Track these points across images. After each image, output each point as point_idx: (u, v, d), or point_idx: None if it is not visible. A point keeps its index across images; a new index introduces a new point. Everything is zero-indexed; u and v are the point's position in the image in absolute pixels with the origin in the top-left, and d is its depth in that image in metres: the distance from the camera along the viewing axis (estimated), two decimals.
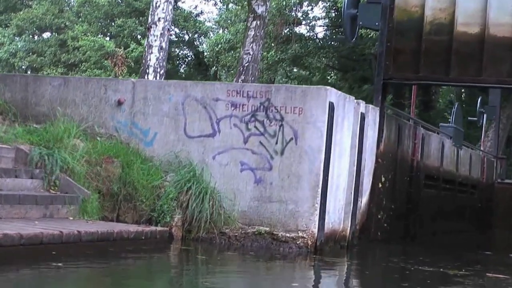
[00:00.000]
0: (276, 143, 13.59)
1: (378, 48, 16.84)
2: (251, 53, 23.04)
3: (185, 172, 13.66)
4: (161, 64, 19.28)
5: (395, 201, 17.78)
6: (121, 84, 14.48)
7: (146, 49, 19.33)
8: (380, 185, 16.66)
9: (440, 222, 21.68)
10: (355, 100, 15.10)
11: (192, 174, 13.64)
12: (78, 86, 14.61)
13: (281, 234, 13.37)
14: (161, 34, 19.22)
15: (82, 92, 14.55)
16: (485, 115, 30.25)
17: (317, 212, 13.41)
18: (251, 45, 22.99)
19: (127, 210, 13.45)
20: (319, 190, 13.39)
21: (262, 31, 23.63)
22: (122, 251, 11.20)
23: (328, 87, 13.73)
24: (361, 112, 15.25)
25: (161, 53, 19.14)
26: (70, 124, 13.72)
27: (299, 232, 13.37)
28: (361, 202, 15.65)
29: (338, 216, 14.51)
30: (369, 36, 34.14)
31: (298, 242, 13.31)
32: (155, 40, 19.19)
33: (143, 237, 11.85)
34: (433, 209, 20.95)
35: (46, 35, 51.87)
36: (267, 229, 13.46)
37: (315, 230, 13.40)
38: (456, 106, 25.32)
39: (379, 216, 16.83)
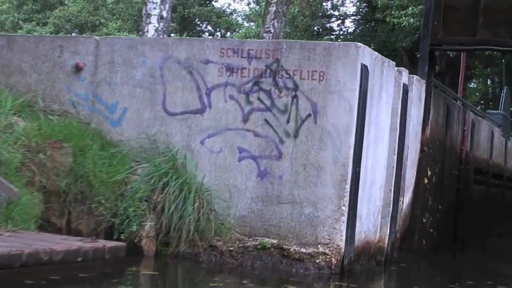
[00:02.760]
0: (288, 121, 8.68)
1: (425, 4, 11.73)
2: (272, 31, 17.94)
3: (161, 161, 8.79)
4: (161, 36, 14.38)
5: (442, 200, 12.73)
6: (81, 44, 9.61)
7: (144, 19, 14.44)
8: (425, 181, 11.64)
9: (489, 224, 16.52)
10: (396, 67, 10.08)
11: (172, 164, 8.80)
12: (26, 48, 9.75)
13: (294, 249, 8.48)
14: (161, 1, 14.30)
15: (31, 56, 9.69)
16: None
17: (345, 217, 8.49)
18: (272, 22, 17.87)
19: (80, 215, 8.65)
20: (347, 186, 8.47)
21: (285, 7, 18.57)
22: (40, 284, 6.31)
23: (360, 44, 8.72)
24: (403, 83, 10.24)
25: (161, 24, 14.22)
26: (3, 96, 8.88)
27: (319, 246, 8.45)
28: (402, 202, 10.63)
29: (373, 222, 9.54)
30: (402, 25, 28.82)
31: (317, 261, 8.40)
32: (154, 8, 14.24)
33: (79, 259, 7.00)
34: (482, 209, 15.80)
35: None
36: (275, 241, 8.57)
37: (342, 243, 8.48)
38: (505, 90, 19.95)
39: (424, 220, 11.79)
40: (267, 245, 8.54)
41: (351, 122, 8.53)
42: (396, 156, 10.12)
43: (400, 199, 10.49)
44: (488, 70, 35.68)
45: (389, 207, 10.04)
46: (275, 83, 8.76)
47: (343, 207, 8.49)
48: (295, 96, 8.68)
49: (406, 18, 28.37)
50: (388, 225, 10.08)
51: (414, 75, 10.87)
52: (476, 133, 14.83)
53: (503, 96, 19.36)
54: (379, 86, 9.29)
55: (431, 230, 12.23)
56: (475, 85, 45.06)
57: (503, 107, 18.83)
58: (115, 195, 8.52)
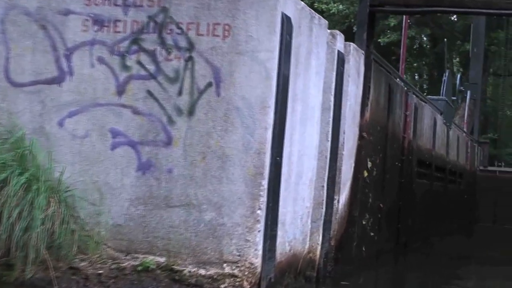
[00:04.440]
0: (180, 93, 6.06)
1: None
2: None
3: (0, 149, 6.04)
4: None
5: (384, 197, 10.30)
6: None
7: None
8: (365, 174, 9.17)
9: (432, 223, 14.25)
10: (329, 30, 7.56)
11: (15, 153, 6.06)
12: None
13: (190, 271, 5.88)
14: None
15: None
16: (469, 92, 22.51)
17: (261, 225, 5.93)
18: None
19: None
20: (264, 182, 5.91)
21: None
22: None
23: None
24: (339, 51, 7.73)
25: None
26: None
27: (225, 265, 5.86)
28: (338, 201, 8.14)
29: (301, 229, 7.00)
30: (331, 12, 26.47)
31: (223, 286, 5.77)
32: None
33: None
34: (425, 206, 13.52)
35: None
36: (162, 260, 5.94)
37: (257, 260, 5.91)
38: (447, 74, 17.66)
39: (363, 222, 9.31)
40: (151, 266, 5.89)
41: (269, 94, 5.96)
42: (330, 143, 7.63)
43: (335, 197, 8.01)
44: (420, 62, 33.88)
45: (322, 208, 7.55)
46: (161, 41, 6.11)
47: (259, 211, 5.91)
48: (189, 59, 6.05)
49: (335, 5, 26.12)
50: (321, 231, 7.59)
51: (351, 43, 8.38)
52: (419, 119, 12.48)
53: (444, 80, 17.10)
54: (307, 49, 6.73)
55: (372, 234, 9.77)
56: None
57: (445, 92, 16.54)
58: None
